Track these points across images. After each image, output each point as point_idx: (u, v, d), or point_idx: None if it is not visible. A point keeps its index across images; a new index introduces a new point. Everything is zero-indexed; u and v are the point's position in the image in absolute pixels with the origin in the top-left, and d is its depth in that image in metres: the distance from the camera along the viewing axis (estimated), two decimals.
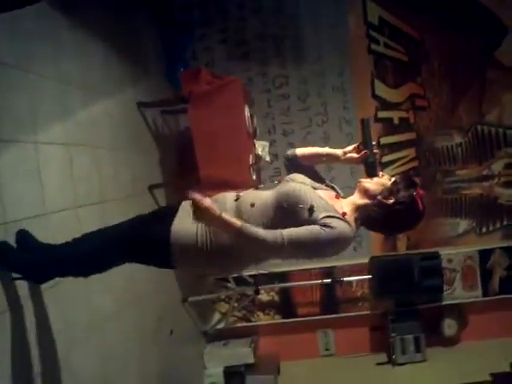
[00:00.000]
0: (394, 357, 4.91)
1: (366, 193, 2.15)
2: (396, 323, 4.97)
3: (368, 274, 4.94)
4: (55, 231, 2.46)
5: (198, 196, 1.96)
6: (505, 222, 5.18)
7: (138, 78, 3.96)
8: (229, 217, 1.97)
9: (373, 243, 5.15)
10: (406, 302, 5.10)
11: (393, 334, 4.93)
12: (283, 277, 5.05)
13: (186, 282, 4.45)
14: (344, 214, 2.06)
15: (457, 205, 5.22)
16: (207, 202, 1.95)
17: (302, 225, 1.99)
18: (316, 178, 2.27)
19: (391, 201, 2.10)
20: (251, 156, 4.13)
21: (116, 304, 3.13)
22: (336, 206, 2.10)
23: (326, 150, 2.34)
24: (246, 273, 4.62)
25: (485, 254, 5.14)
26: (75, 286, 2.46)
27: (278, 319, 5.22)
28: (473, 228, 5.22)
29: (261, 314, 5.21)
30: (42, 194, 2.42)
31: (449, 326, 5.06)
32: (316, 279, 4.96)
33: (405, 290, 4.92)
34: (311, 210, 2.01)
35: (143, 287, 3.55)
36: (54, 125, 2.63)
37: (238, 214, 2.07)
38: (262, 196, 2.13)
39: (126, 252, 2.18)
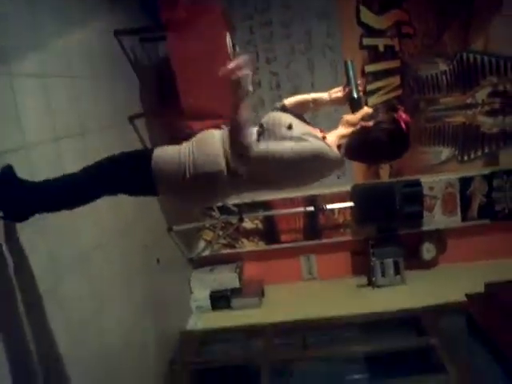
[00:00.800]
0: (374, 279, 5.05)
1: (348, 123, 2.20)
2: (377, 248, 5.09)
3: (350, 202, 5.04)
4: (36, 164, 2.46)
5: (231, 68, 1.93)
6: (486, 150, 5.21)
7: (114, 6, 3.81)
8: (244, 108, 2.00)
9: (356, 171, 5.19)
10: (387, 228, 5.21)
11: (373, 259, 5.05)
12: (267, 205, 5.15)
13: (171, 211, 4.51)
14: (324, 137, 2.13)
15: (439, 133, 5.21)
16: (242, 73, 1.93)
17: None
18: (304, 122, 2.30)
19: (371, 123, 2.15)
20: None
21: (102, 235, 3.18)
22: (318, 134, 2.16)
23: (312, 95, 2.38)
24: (230, 202, 4.69)
25: (465, 182, 5.21)
26: (60, 219, 2.47)
27: (261, 246, 5.34)
28: (455, 156, 5.25)
29: (245, 241, 5.32)
30: (20, 127, 2.39)
31: (427, 250, 5.19)
32: (299, 207, 5.06)
33: (386, 217, 5.04)
34: (290, 127, 2.11)
35: (129, 217, 3.60)
36: (29, 56, 2.56)
37: (225, 143, 2.12)
38: None
39: (109, 181, 2.20)
